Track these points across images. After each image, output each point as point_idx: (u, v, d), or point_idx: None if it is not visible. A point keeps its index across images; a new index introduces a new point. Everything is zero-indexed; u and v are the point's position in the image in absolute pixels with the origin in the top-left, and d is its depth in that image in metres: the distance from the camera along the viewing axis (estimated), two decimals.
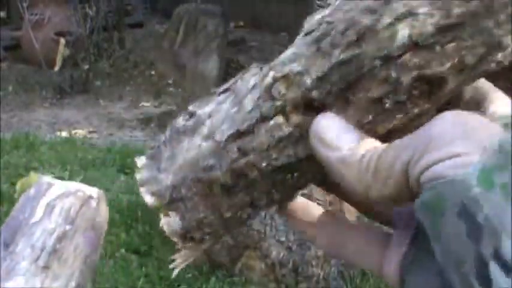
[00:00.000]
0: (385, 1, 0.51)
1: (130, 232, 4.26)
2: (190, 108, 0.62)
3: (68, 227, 2.45)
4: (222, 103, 0.60)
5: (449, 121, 0.50)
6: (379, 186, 0.52)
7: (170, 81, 7.53)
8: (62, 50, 7.88)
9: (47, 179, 2.64)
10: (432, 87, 0.52)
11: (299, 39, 0.56)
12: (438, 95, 0.52)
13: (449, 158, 0.49)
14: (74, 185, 2.62)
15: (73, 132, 6.31)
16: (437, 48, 0.50)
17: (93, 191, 2.64)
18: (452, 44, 0.50)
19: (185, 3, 7.89)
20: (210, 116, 0.60)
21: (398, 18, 0.50)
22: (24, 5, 7.77)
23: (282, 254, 3.66)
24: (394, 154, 0.51)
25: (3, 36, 8.65)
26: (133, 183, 4.95)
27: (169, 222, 0.61)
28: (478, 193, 0.47)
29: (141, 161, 0.64)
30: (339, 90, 0.53)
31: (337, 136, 0.53)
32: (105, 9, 7.90)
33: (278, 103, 0.55)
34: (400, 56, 0.51)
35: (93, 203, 2.59)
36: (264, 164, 0.56)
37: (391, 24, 0.51)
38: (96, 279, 3.82)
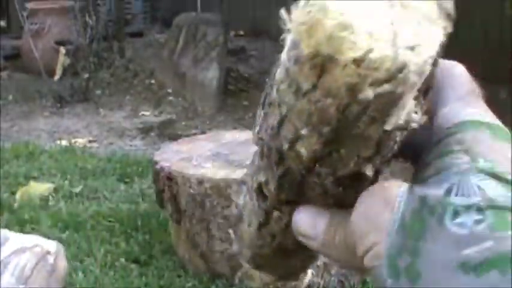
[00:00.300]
0: (278, 127, 0.59)
1: (130, 241, 4.26)
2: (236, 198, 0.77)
3: (21, 287, 2.36)
4: (245, 196, 0.70)
5: (359, 213, 0.56)
6: (358, 258, 0.56)
7: (170, 90, 7.53)
8: (62, 59, 7.88)
9: (4, 232, 2.57)
10: (356, 176, 0.58)
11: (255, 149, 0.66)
12: (367, 178, 0.58)
13: (367, 251, 0.54)
14: (31, 240, 2.53)
15: (73, 141, 6.31)
16: (335, 155, 0.57)
17: (51, 246, 2.55)
18: (343, 150, 0.56)
19: (185, 13, 7.90)
20: (243, 207, 0.70)
21: (292, 142, 0.58)
22: (24, 14, 7.79)
23: None
24: (351, 236, 0.56)
25: (3, 45, 8.66)
26: (134, 193, 4.95)
27: (265, 276, 0.80)
28: (390, 284, 0.51)
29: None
30: (295, 192, 0.61)
31: (311, 226, 0.60)
32: (105, 19, 7.91)
33: (269, 202, 0.64)
34: (314, 166, 0.58)
35: (51, 259, 2.51)
36: (290, 241, 0.65)
37: (290, 147, 0.58)
38: None
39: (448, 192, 0.52)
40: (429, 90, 0.58)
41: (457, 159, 0.54)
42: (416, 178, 0.56)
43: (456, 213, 0.51)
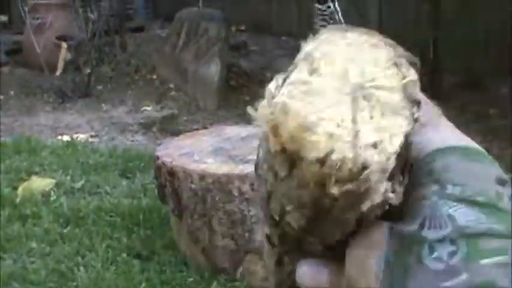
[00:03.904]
0: (267, 199, 0.62)
1: (132, 236, 4.26)
2: None
3: None
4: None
5: (350, 261, 0.58)
6: None
7: (172, 86, 7.53)
8: (64, 54, 7.88)
9: None
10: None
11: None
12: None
13: None
14: None
15: (75, 136, 6.31)
16: (320, 229, 0.60)
17: None
18: (327, 226, 0.60)
19: (187, 8, 7.90)
20: (263, 244, 0.72)
21: (281, 214, 0.61)
22: (26, 9, 7.78)
23: None
24: (348, 283, 0.59)
25: (4, 41, 8.66)
26: (135, 188, 4.95)
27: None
28: None
29: None
30: (296, 247, 0.63)
31: (314, 279, 0.62)
32: (106, 14, 7.90)
33: (278, 249, 0.67)
34: (305, 234, 0.62)
35: None
36: None
37: (281, 218, 0.61)
38: (97, 285, 3.82)
39: (421, 226, 0.55)
40: (407, 165, 0.59)
41: (427, 190, 0.57)
42: (398, 215, 0.59)
43: (432, 248, 0.54)
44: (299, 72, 0.59)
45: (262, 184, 0.62)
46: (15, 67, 8.34)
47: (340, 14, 4.00)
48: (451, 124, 0.63)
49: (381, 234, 0.57)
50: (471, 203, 0.54)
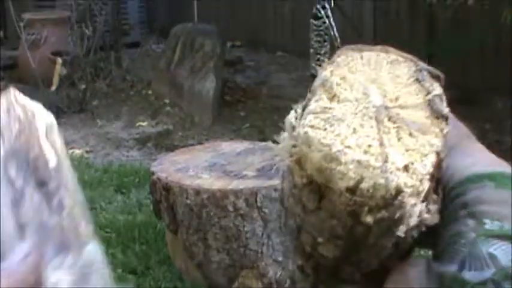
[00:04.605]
0: (297, 232, 0.61)
1: (127, 252, 4.25)
2: None
3: None
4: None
5: None
6: None
7: (167, 101, 7.52)
8: (59, 70, 7.87)
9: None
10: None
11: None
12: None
13: None
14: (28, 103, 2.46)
15: (70, 151, 6.30)
16: (356, 257, 0.59)
17: (44, 115, 2.47)
18: (362, 254, 0.59)
19: (182, 23, 7.91)
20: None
21: (313, 246, 0.60)
22: (21, 24, 7.78)
23: (279, 274, 3.65)
24: None
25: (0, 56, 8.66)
26: (130, 203, 4.94)
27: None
28: None
29: None
30: (331, 275, 0.62)
31: None
32: (102, 29, 7.91)
33: (311, 279, 0.65)
34: (341, 263, 0.62)
35: (25, 116, 2.42)
36: None
37: (313, 249, 0.60)
38: None
39: (461, 267, 0.52)
40: (439, 183, 0.57)
41: (464, 227, 0.54)
42: (434, 248, 0.57)
43: None
44: (318, 99, 0.56)
45: (289, 217, 0.60)
46: (10, 82, 8.33)
47: (335, 29, 4.00)
48: (480, 146, 0.59)
49: (418, 272, 0.55)
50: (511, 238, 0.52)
